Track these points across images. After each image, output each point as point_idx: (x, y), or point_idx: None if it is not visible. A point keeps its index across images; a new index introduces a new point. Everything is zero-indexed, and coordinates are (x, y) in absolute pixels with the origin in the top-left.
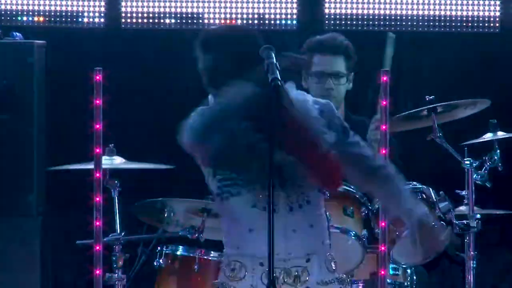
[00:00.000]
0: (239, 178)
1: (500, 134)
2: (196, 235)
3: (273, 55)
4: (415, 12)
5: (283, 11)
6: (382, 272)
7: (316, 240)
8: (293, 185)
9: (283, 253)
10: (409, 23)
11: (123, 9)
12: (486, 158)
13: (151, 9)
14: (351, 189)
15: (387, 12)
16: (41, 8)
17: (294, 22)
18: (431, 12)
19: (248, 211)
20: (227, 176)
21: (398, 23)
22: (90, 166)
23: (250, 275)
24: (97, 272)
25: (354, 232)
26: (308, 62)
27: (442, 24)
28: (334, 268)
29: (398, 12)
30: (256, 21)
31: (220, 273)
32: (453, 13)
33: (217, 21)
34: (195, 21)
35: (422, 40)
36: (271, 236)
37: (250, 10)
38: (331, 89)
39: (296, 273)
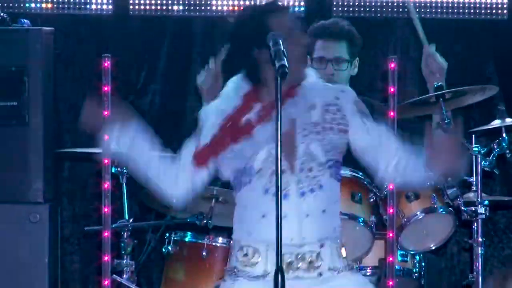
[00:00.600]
0: (248, 165)
1: (508, 120)
2: (205, 221)
3: (281, 41)
4: None
5: None
6: (390, 259)
7: (329, 225)
8: (303, 170)
9: (297, 238)
10: (417, 9)
11: None
12: (494, 144)
13: None
14: (359, 175)
15: None
16: None
17: (302, 9)
18: None
19: (260, 197)
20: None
21: (406, 9)
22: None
23: (264, 261)
24: (106, 258)
25: (362, 218)
26: None
27: (450, 11)
28: (344, 255)
29: None
30: None
31: (231, 258)
32: None
33: (225, 8)
34: (203, 7)
35: (430, 26)
36: (279, 222)
37: None
38: (331, 74)
39: (310, 258)
